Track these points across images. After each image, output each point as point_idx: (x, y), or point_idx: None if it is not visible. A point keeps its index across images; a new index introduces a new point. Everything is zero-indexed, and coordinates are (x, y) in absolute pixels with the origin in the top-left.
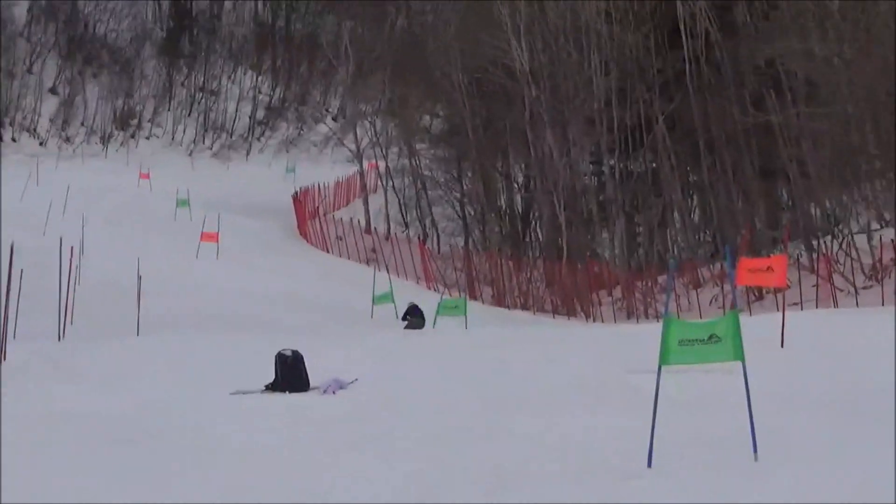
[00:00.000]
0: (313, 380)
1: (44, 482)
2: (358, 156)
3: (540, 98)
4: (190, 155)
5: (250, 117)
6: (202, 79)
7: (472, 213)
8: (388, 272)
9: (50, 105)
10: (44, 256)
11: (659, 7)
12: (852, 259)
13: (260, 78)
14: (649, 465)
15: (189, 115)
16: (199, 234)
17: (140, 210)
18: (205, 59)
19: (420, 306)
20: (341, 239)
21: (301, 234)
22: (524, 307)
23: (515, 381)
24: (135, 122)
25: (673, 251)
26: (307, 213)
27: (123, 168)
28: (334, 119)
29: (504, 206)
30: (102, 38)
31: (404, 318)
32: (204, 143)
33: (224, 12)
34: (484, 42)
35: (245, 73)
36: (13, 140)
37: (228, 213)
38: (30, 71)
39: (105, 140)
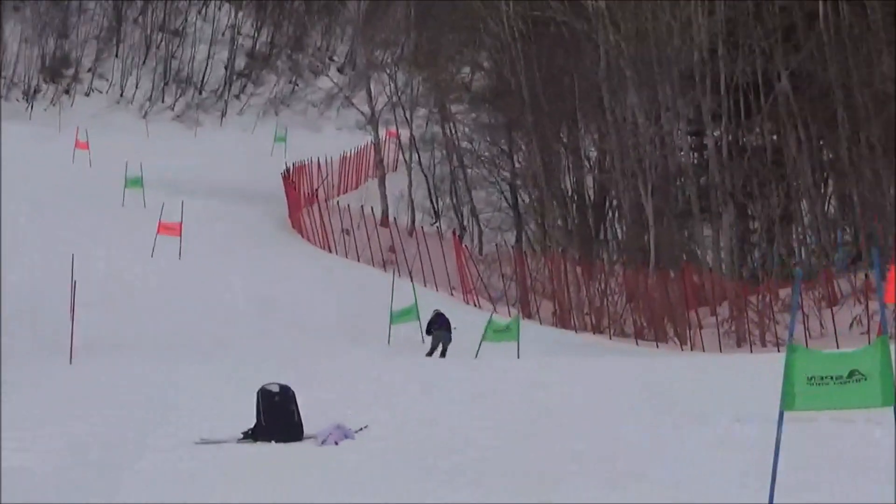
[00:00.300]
0: (308, 426)
1: None
2: (372, 121)
3: (620, 45)
4: (144, 117)
5: (226, 67)
6: (161, 15)
7: (527, 199)
8: (411, 279)
9: None
10: None
11: None
12: None
13: (240, 15)
14: None
15: (143, 63)
16: (155, 226)
17: (76, 192)
18: None
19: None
20: (348, 233)
21: (294, 226)
22: (597, 329)
23: (584, 433)
24: (70, 72)
25: (800, 255)
26: (302, 197)
27: (54, 134)
28: (340, 71)
29: (570, 192)
30: None
31: (428, 332)
32: (163, 101)
33: None
34: None
35: (220, 9)
36: None
37: (195, 198)
38: None
39: (29, 96)
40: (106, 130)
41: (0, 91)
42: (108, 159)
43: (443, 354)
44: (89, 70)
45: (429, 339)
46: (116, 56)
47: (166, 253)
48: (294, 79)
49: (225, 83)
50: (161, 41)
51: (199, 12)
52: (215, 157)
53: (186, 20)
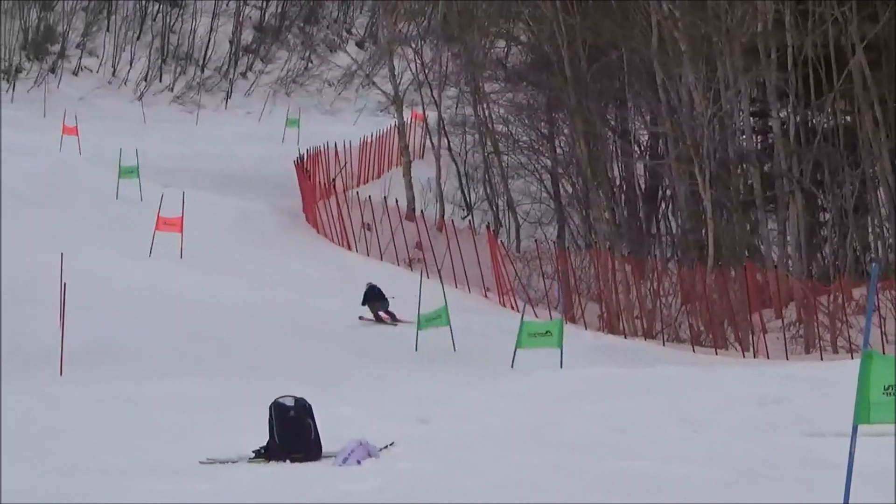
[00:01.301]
0: (327, 443)
1: None
2: (396, 102)
3: (674, 15)
4: (139, 99)
5: (231, 42)
6: None
7: (570, 189)
8: (440, 280)
9: None
10: None
11: None
12: None
13: None
14: None
15: (138, 38)
16: (153, 221)
17: (63, 183)
18: None
19: (486, 329)
20: (370, 228)
21: (309, 220)
22: (649, 334)
23: (633, 451)
24: (55, 48)
25: (876, 251)
26: (318, 188)
27: (38, 119)
28: (359, 46)
29: (618, 181)
30: None
31: (364, 304)
32: (160, 81)
33: None
34: None
35: None
36: None
37: (198, 189)
38: None
39: (10, 76)
40: (97, 114)
41: None
42: (100, 146)
43: (392, 318)
44: (77, 46)
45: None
46: (107, 30)
47: (166, 251)
48: (307, 55)
49: (230, 60)
50: (157, 13)
51: None
52: (219, 143)
53: None
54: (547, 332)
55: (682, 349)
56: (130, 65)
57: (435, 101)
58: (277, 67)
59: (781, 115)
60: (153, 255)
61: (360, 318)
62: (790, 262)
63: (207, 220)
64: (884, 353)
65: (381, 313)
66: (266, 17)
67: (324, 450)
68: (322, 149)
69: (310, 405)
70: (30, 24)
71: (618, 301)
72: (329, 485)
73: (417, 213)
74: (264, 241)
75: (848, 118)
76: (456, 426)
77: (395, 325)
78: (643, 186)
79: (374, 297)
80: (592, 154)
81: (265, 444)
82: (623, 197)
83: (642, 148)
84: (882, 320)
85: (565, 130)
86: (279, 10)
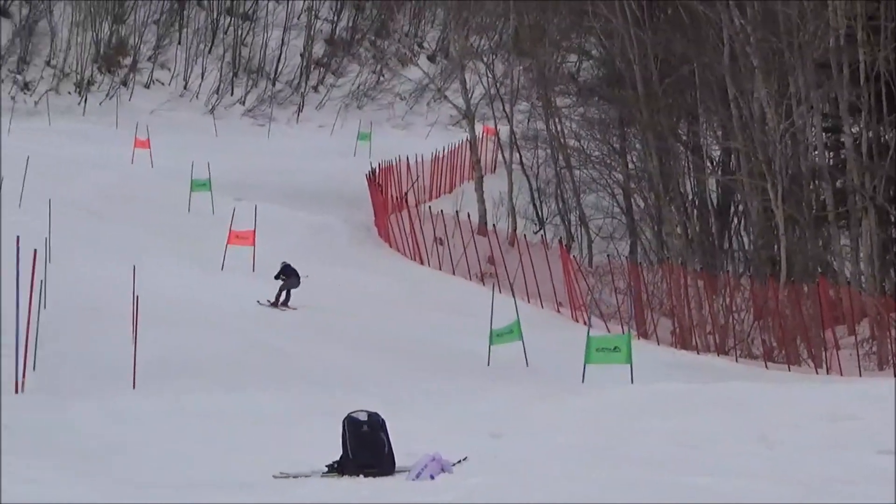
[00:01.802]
0: (400, 458)
1: None
2: (468, 116)
3: (746, 30)
4: (211, 112)
5: (303, 56)
6: None
7: (642, 204)
8: (512, 294)
9: None
10: None
11: None
12: None
13: None
14: None
15: (210, 51)
16: (225, 235)
17: (135, 196)
18: None
19: (557, 345)
20: (442, 243)
21: (380, 234)
22: (721, 350)
23: (704, 467)
24: (128, 61)
25: None
26: (390, 202)
27: (110, 132)
28: (431, 60)
29: (690, 196)
30: None
31: (277, 278)
32: (232, 94)
33: None
34: None
35: None
36: None
37: (269, 203)
38: None
39: (83, 89)
40: (168, 127)
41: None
42: (172, 159)
43: (286, 302)
44: (149, 59)
45: None
46: (179, 43)
47: (238, 265)
48: (379, 69)
49: (301, 74)
50: (229, 26)
51: None
52: (291, 156)
53: (257, 2)
54: (615, 347)
55: (755, 365)
56: (202, 78)
57: (507, 116)
58: (349, 81)
59: (854, 130)
60: (225, 269)
61: (258, 301)
62: (863, 278)
63: (279, 233)
64: None
65: (281, 299)
66: (337, 31)
67: (397, 464)
68: (394, 163)
69: (383, 420)
70: (102, 37)
71: (690, 316)
72: (402, 499)
73: (489, 227)
74: (336, 254)
75: None
76: (528, 441)
77: (283, 310)
78: (715, 202)
79: (288, 274)
80: (664, 169)
81: (338, 458)
82: (695, 212)
83: (714, 163)
84: None
85: (637, 145)
86: (351, 23)
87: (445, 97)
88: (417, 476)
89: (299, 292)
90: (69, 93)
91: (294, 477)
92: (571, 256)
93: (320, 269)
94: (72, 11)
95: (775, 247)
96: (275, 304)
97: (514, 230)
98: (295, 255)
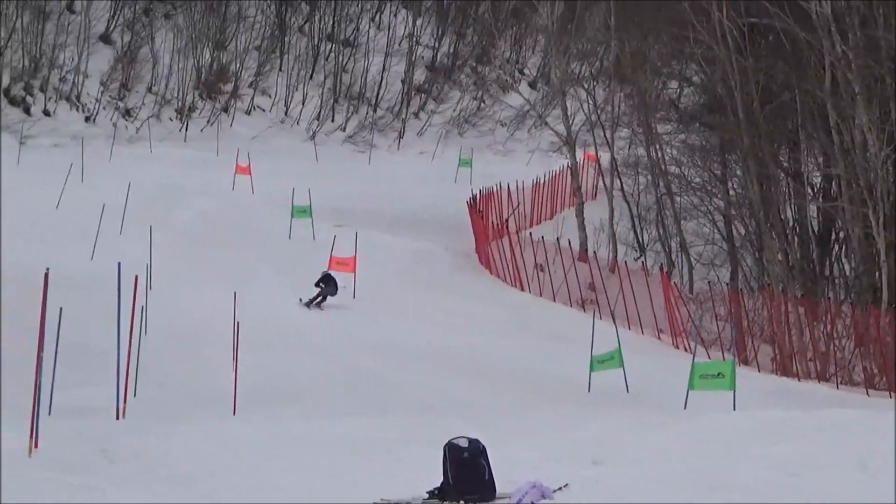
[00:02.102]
0: (501, 484)
1: None
2: (569, 142)
3: (847, 56)
4: (312, 138)
5: (404, 82)
6: (330, 23)
7: (743, 231)
8: (613, 320)
9: (101, 61)
10: (92, 291)
11: None
12: None
13: (419, 22)
14: None
15: (311, 77)
16: (325, 261)
17: (236, 222)
18: None
19: (658, 371)
20: (542, 269)
21: (481, 260)
22: (822, 377)
23: (806, 495)
24: (229, 87)
25: None
26: (491, 229)
27: (211, 158)
28: (532, 86)
29: (791, 223)
30: None
31: (317, 286)
32: (333, 120)
33: None
34: None
35: (396, 15)
36: (46, 114)
37: (370, 229)
38: (71, 9)
39: (184, 115)
40: (269, 153)
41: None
42: (273, 186)
43: (319, 304)
44: (250, 85)
45: None
46: (280, 69)
47: (339, 291)
48: (480, 95)
49: (402, 100)
50: (330, 52)
51: (373, 19)
52: (392, 183)
53: (358, 29)
54: (719, 373)
55: (856, 392)
56: (303, 104)
57: (608, 142)
58: (450, 107)
59: None
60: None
61: (300, 300)
62: None
63: (380, 260)
64: None
65: (317, 298)
66: (438, 57)
67: (498, 491)
68: (495, 189)
69: (483, 446)
70: (203, 64)
71: (791, 343)
72: None
73: (590, 253)
74: (436, 281)
75: None
76: (629, 468)
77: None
78: (816, 228)
79: (328, 283)
80: (765, 196)
81: (439, 484)
82: (796, 239)
83: (815, 190)
84: None
85: (738, 172)
86: (452, 49)
87: (546, 123)
88: (518, 503)
89: (403, 320)
90: (170, 119)
91: (395, 503)
92: (672, 283)
93: (421, 296)
94: (173, 38)
95: (877, 273)
96: (308, 305)
97: (615, 256)
98: (395, 281)
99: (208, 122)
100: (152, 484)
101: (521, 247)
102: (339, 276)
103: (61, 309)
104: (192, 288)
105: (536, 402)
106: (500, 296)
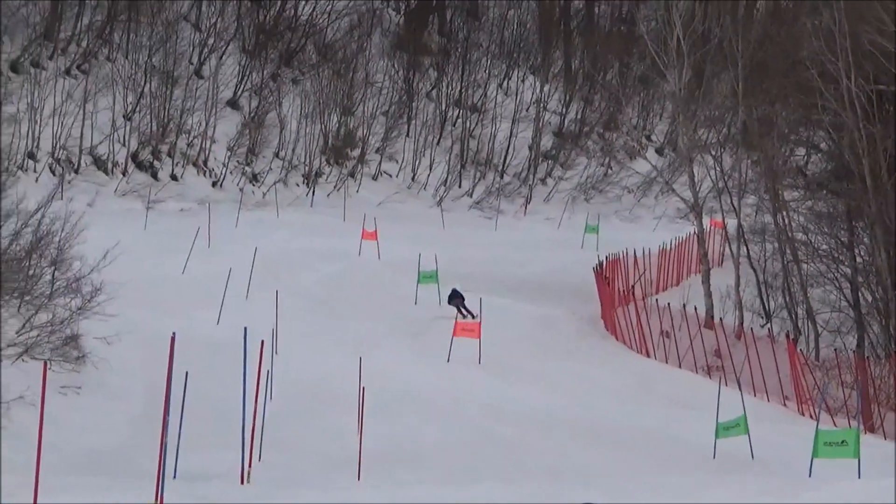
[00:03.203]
0: None
1: None
2: (695, 209)
3: None
4: (439, 204)
5: (531, 148)
6: (458, 87)
7: (870, 298)
8: (739, 387)
9: (229, 126)
10: (218, 355)
11: None
12: None
13: (546, 88)
14: None
15: (438, 143)
16: (451, 327)
17: (362, 287)
18: (462, 58)
19: (784, 438)
20: (668, 336)
21: (607, 326)
22: None
23: None
24: (356, 152)
25: None
26: (617, 295)
27: (338, 223)
28: (659, 152)
29: None
30: (308, 24)
31: (449, 302)
32: (460, 186)
33: None
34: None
35: (523, 80)
36: (173, 179)
37: (496, 295)
38: (199, 74)
39: (311, 180)
40: (395, 218)
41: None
42: (399, 251)
43: (469, 313)
44: (377, 150)
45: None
46: (407, 135)
47: (464, 356)
48: (607, 161)
49: (529, 166)
50: (457, 118)
51: (500, 85)
52: (518, 248)
53: (486, 94)
54: (843, 441)
55: None
56: (430, 170)
57: (734, 209)
58: (577, 173)
59: None
60: (451, 361)
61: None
62: None
63: (506, 325)
64: None
65: (462, 310)
66: (566, 123)
67: None
68: (621, 255)
69: None
70: (330, 129)
71: None
72: None
73: (716, 320)
74: (562, 347)
75: None
76: None
77: (474, 318)
78: None
79: (455, 296)
80: (893, 263)
81: None
82: None
83: None
84: None
85: (865, 239)
86: (579, 116)
87: (673, 190)
88: None
89: (528, 384)
90: (297, 184)
91: None
92: (798, 350)
93: (546, 361)
94: (301, 103)
95: None
96: (466, 314)
97: (741, 323)
98: (521, 346)
99: (335, 187)
100: None
101: (647, 313)
102: (466, 342)
103: (187, 373)
104: (318, 352)
105: (661, 468)
106: (625, 362)
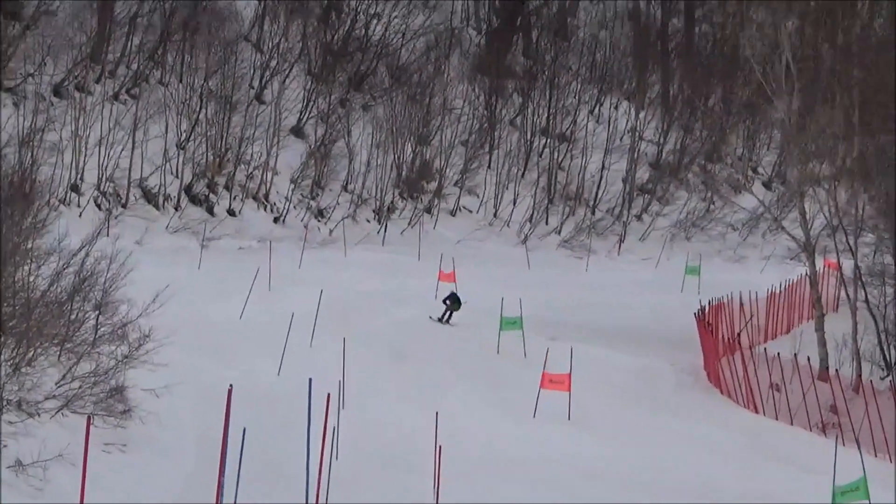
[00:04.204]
0: None
1: None
2: (807, 248)
3: None
4: (523, 243)
5: (625, 181)
6: (545, 114)
7: None
8: (858, 447)
9: (292, 156)
10: (279, 408)
11: None
12: None
13: (643, 115)
14: None
15: (523, 175)
16: (537, 378)
17: (438, 334)
18: (550, 82)
19: None
20: (778, 389)
21: (710, 378)
22: None
23: None
24: (432, 186)
25: None
26: (721, 344)
27: (412, 263)
28: (767, 186)
29: None
30: (380, 45)
31: (444, 303)
32: (547, 223)
33: (580, 4)
34: None
35: (617, 107)
36: (231, 214)
37: (587, 343)
38: (260, 99)
39: (383, 216)
40: (475, 258)
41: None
42: (479, 294)
43: (448, 320)
44: (455, 184)
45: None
46: (489, 167)
47: (552, 411)
48: (709, 196)
49: (623, 201)
50: (544, 148)
51: (591, 112)
52: (611, 291)
53: (575, 122)
54: None
55: None
56: (514, 205)
57: (850, 248)
58: (676, 209)
59: None
60: (538, 416)
61: (430, 317)
62: None
63: (598, 377)
64: None
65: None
66: (664, 154)
67: None
68: (725, 299)
69: None
70: (404, 160)
71: None
72: None
73: (831, 372)
74: (660, 401)
75: None
76: None
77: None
78: None
79: (453, 300)
80: None
81: None
82: None
83: None
84: None
85: None
86: (678, 146)
87: (782, 227)
88: None
89: (623, 442)
90: (367, 220)
91: None
92: None
93: (642, 417)
94: (372, 131)
95: None
96: (440, 320)
97: (859, 375)
98: (614, 400)
99: (409, 223)
100: None
101: (754, 363)
102: (554, 395)
103: (245, 429)
104: (389, 406)
105: None
106: (730, 417)
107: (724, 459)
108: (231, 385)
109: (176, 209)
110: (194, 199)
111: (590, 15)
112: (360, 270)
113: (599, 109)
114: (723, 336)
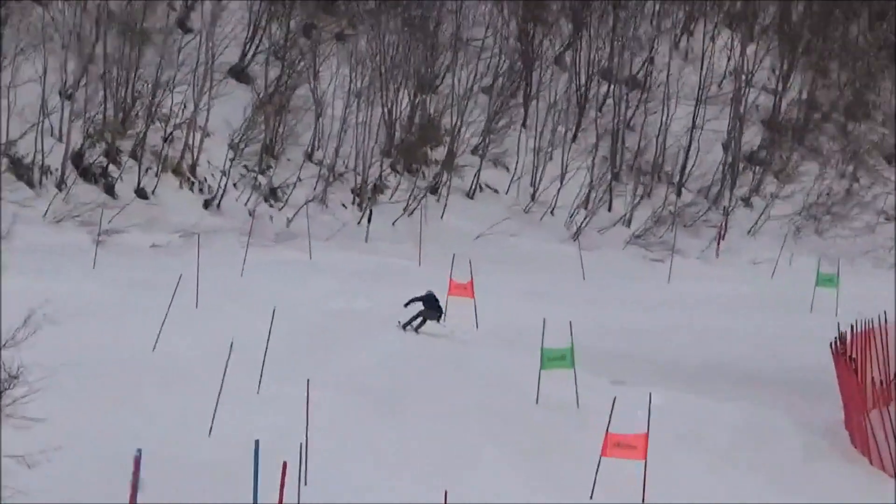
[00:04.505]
0: None
1: None
2: None
3: None
4: (575, 238)
5: (726, 148)
6: (606, 48)
7: None
8: None
9: (232, 109)
10: (209, 486)
11: None
12: None
13: (753, 49)
14: None
15: (574, 139)
16: (596, 441)
17: (447, 373)
18: (612, 1)
19: None
20: None
21: (854, 440)
22: None
23: None
24: (440, 153)
25: None
26: (872, 389)
27: (410, 269)
28: None
29: None
30: None
31: (416, 300)
32: (610, 209)
33: None
34: None
35: (714, 37)
36: (140, 196)
37: (671, 388)
38: (183, 25)
39: (366, 199)
40: (504, 262)
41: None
42: (508, 314)
43: (418, 328)
44: (475, 151)
45: None
46: (524, 126)
47: (620, 491)
48: (851, 169)
49: (723, 176)
50: (606, 97)
51: (676, 46)
52: (703, 311)
53: (652, 60)
54: None
55: None
56: (561, 182)
57: None
58: (802, 189)
59: None
60: (596, 496)
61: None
62: None
63: (688, 437)
64: None
65: (416, 321)
66: (783, 107)
67: None
68: (877, 323)
69: None
70: (398, 116)
71: None
72: None
73: None
74: (782, 473)
75: None
76: None
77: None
78: None
79: (431, 306)
80: None
81: None
82: None
83: None
84: None
85: None
86: (804, 96)
87: None
88: None
89: None
90: (343, 205)
91: None
92: None
93: (756, 495)
94: (350, 73)
95: None
96: (404, 328)
97: None
98: (712, 472)
99: (405, 210)
100: None
101: None
102: (626, 465)
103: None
104: (374, 482)
105: None
106: (886, 498)
107: None
108: (139, 450)
109: (59, 188)
110: (86, 174)
111: None
112: (333, 280)
113: (688, 41)
114: (874, 379)
